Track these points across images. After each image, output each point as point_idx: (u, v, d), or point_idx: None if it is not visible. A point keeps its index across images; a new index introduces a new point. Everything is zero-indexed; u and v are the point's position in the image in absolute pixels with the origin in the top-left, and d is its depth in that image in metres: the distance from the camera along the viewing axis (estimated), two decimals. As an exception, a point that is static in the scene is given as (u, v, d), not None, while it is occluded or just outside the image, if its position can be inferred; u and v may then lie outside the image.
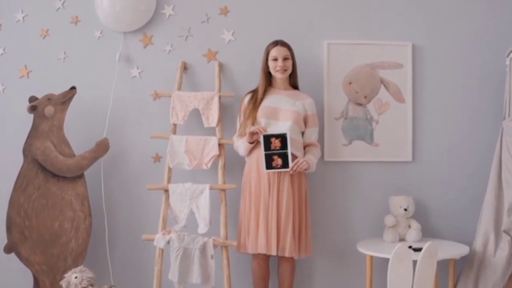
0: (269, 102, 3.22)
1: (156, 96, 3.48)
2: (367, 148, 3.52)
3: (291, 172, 3.09)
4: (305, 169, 3.13)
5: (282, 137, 3.05)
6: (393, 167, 3.53)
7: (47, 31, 3.54)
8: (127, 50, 3.51)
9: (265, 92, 3.24)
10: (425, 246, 2.62)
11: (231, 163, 3.40)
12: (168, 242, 3.12)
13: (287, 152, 3.04)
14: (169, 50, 3.53)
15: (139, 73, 3.53)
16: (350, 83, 3.51)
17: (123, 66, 3.51)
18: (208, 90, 3.42)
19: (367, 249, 3.12)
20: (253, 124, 3.15)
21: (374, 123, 3.52)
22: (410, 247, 3.01)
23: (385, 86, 3.53)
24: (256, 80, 3.30)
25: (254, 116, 3.19)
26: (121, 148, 3.50)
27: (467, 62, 3.58)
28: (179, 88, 3.41)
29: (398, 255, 2.60)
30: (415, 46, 3.55)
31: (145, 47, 3.54)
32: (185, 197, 3.21)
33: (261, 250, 3.05)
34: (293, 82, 3.32)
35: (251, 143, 3.16)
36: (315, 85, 3.48)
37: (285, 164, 3.06)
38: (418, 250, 2.90)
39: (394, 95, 3.54)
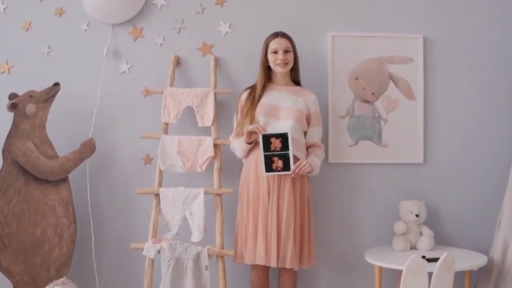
0: (268, 99, 3.09)
1: (147, 93, 3.37)
2: (375, 149, 3.41)
3: (292, 175, 2.96)
4: (308, 172, 3.01)
5: (283, 137, 2.91)
6: (403, 170, 3.42)
7: (29, 24, 3.44)
8: (115, 43, 3.41)
9: (264, 88, 3.11)
10: (442, 257, 2.49)
11: (228, 166, 3.29)
12: (159, 251, 3.00)
13: (288, 153, 2.91)
14: (161, 44, 3.42)
15: (128, 68, 3.43)
16: (356, 78, 3.39)
17: (111, 61, 3.40)
18: (203, 87, 3.30)
19: (376, 259, 3.00)
20: (251, 123, 3.03)
21: (382, 122, 3.41)
22: (423, 257, 2.85)
23: (394, 82, 3.41)
24: (254, 75, 3.17)
25: (252, 114, 3.06)
26: (109, 149, 3.40)
27: (482, 56, 3.48)
28: (172, 85, 3.29)
29: (412, 268, 2.45)
30: (427, 39, 3.44)
31: (135, 40, 3.43)
32: (177, 202, 3.09)
33: (260, 261, 2.93)
34: (294, 78, 3.19)
35: (249, 143, 3.03)
36: (318, 81, 3.37)
37: (286, 167, 2.93)
38: (432, 260, 2.79)
39: (404, 91, 3.42)
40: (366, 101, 3.42)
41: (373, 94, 3.41)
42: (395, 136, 3.41)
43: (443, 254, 2.51)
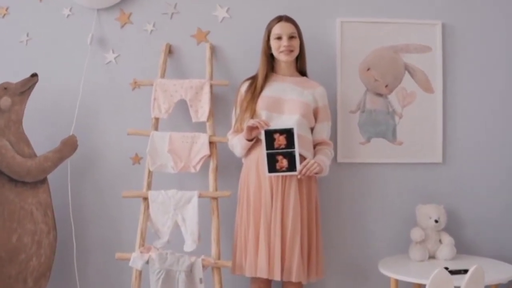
0: (271, 91, 2.93)
1: (135, 85, 3.27)
2: (388, 147, 3.28)
3: (299, 176, 2.78)
4: (316, 173, 2.84)
5: (288, 133, 2.75)
6: (420, 170, 3.30)
7: (6, 10, 3.36)
8: (101, 30, 3.32)
9: (266, 78, 2.96)
10: (471, 270, 2.30)
11: (225, 166, 3.19)
12: (147, 262, 2.88)
13: (294, 151, 2.75)
14: (151, 30, 3.31)
15: (115, 58, 3.32)
16: (368, 69, 3.27)
17: (96, 50, 3.31)
18: (198, 78, 3.17)
19: (391, 270, 2.84)
20: (252, 118, 2.87)
21: (397, 117, 3.28)
22: (446, 268, 2.64)
23: (410, 73, 3.28)
24: (255, 65, 3.03)
25: (253, 108, 2.91)
26: (92, 148, 3.32)
27: (506, 44, 3.37)
28: (163, 76, 3.18)
29: (436, 283, 2.25)
30: (446, 25, 3.32)
31: (122, 27, 3.32)
32: (168, 206, 2.99)
33: (262, 273, 2.77)
34: (300, 67, 3.04)
35: (250, 140, 2.87)
36: (326, 72, 3.24)
37: (291, 167, 2.77)
38: (456, 272, 2.65)
39: (420, 83, 3.29)
40: (379, 94, 3.29)
41: (386, 86, 3.28)
42: (411, 133, 3.29)
43: (471, 267, 2.32)
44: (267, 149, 2.77)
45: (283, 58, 2.91)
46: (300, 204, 2.83)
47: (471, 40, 3.34)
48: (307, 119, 2.91)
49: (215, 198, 3.01)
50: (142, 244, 2.95)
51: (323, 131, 2.99)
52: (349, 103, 3.28)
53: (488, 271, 2.68)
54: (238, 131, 2.95)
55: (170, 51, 3.25)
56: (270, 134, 2.75)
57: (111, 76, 3.31)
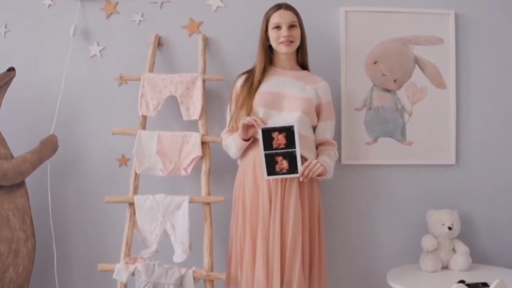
0: (270, 85, 2.78)
1: (122, 80, 3.14)
2: (397, 147, 3.17)
3: (301, 178, 2.63)
4: (319, 175, 2.69)
5: (288, 131, 2.59)
6: (432, 172, 3.18)
7: None
8: (85, 21, 3.21)
9: (264, 72, 2.81)
10: (493, 285, 2.21)
11: (219, 168, 3.08)
12: (133, 273, 2.75)
13: (295, 151, 2.59)
14: (139, 21, 3.20)
15: (100, 51, 3.22)
16: (375, 62, 3.16)
17: (79, 42, 3.21)
18: (189, 72, 3.05)
19: (401, 282, 2.73)
20: (248, 115, 2.72)
21: (406, 115, 3.16)
22: (462, 281, 2.59)
23: (420, 67, 3.16)
24: (252, 58, 2.88)
25: (249, 104, 2.76)
26: (75, 148, 3.23)
27: None
28: (151, 70, 3.07)
29: None
30: (459, 15, 3.21)
31: (108, 17, 3.21)
32: (156, 213, 2.88)
33: (259, 287, 2.62)
34: (301, 60, 2.89)
35: (246, 140, 2.72)
36: (329, 66, 3.13)
37: (292, 168, 2.61)
38: (473, 286, 2.55)
39: (432, 78, 3.17)
40: (387, 90, 3.17)
41: (395, 81, 3.17)
42: (422, 132, 3.17)
43: (492, 280, 2.31)
44: (265, 149, 2.60)
45: (282, 50, 2.75)
46: (301, 210, 2.68)
47: (486, 31, 3.24)
48: (309, 116, 2.76)
49: (208, 204, 2.89)
50: (127, 254, 2.82)
51: (327, 130, 2.85)
52: (355, 99, 3.16)
53: (510, 284, 2.57)
54: (233, 130, 2.81)
55: (159, 43, 3.15)
56: (268, 133, 2.59)
57: (95, 71, 3.20)
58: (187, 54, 3.14)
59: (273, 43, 2.76)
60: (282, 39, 2.72)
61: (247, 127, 2.63)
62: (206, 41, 3.11)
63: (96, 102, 3.20)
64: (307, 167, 2.60)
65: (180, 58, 3.17)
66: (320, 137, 2.82)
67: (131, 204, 2.89)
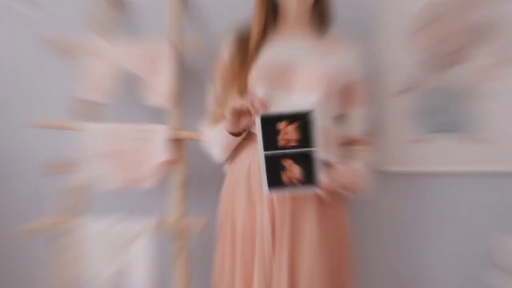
0: (274, 54, 1.97)
1: (59, 51, 2.35)
2: (458, 147, 2.38)
3: (322, 194, 1.85)
4: (348, 190, 1.95)
5: (303, 121, 1.76)
6: (509, 183, 2.41)
7: None
8: None
9: (265, 35, 2.00)
10: None
11: (199, 177, 2.40)
12: None
13: (311, 151, 1.76)
14: None
15: (29, 10, 2.56)
16: (423, 30, 2.44)
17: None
18: (156, 39, 2.30)
19: None
20: (241, 97, 1.95)
21: (471, 102, 2.39)
22: None
23: (489, 33, 2.38)
24: (247, 18, 2.10)
25: (243, 81, 1.96)
26: None
27: None
28: (102, 36, 2.33)
29: None
30: None
31: None
32: (106, 244, 2.15)
33: None
34: (322, 16, 2.06)
35: (237, 134, 1.94)
36: (360, 34, 2.34)
37: (308, 178, 1.78)
38: None
39: (503, 51, 2.39)
40: (440, 67, 2.40)
41: (450, 55, 2.41)
42: (495, 126, 2.36)
43: None
44: (265, 148, 1.76)
45: (293, 3, 1.95)
46: (320, 241, 1.88)
47: None
48: (332, 100, 1.94)
49: (183, 231, 2.12)
50: (61, 306, 1.97)
51: (358, 123, 2.05)
52: (395, 80, 2.36)
53: None
54: (218, 120, 2.00)
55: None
56: (271, 123, 1.74)
57: (22, 39, 2.44)
58: (153, 14, 2.36)
59: (279, -11, 1.91)
60: (292, -18, 1.86)
61: (239, 114, 1.82)
62: (183, -4, 2.28)
63: (20, 82, 2.43)
64: (332, 177, 1.79)
65: (142, 19, 2.39)
66: (350, 132, 2.03)
67: (67, 232, 2.09)
